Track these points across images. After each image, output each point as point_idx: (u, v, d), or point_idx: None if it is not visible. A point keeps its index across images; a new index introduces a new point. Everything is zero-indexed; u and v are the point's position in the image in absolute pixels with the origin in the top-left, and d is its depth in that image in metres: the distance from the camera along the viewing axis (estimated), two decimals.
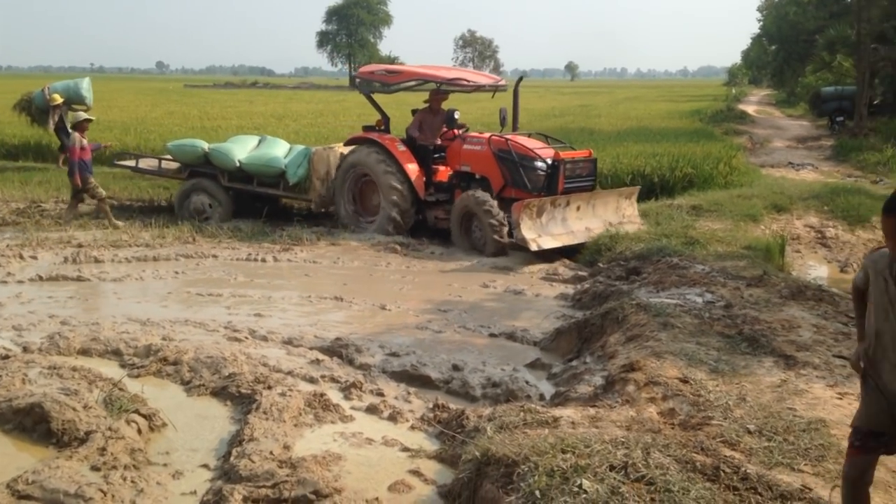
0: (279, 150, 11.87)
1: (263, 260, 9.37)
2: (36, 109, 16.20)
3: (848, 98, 26.09)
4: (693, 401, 4.33)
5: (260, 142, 12.44)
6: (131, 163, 12.95)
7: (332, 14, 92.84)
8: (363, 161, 10.77)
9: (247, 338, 6.41)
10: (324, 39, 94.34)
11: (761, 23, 39.40)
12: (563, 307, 7.61)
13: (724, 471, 3.37)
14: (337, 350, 6.12)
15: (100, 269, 8.79)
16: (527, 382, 5.47)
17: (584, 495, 3.14)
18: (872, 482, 2.93)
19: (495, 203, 9.58)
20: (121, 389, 5.03)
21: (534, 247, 9.08)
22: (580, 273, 8.84)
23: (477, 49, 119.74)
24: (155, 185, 14.00)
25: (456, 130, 11.01)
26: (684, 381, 4.61)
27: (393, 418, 4.90)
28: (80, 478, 3.90)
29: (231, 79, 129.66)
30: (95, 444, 4.20)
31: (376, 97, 11.57)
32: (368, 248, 10.03)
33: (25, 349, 5.95)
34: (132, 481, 3.93)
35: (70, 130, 15.78)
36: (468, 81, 10.88)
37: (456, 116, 10.81)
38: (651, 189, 12.99)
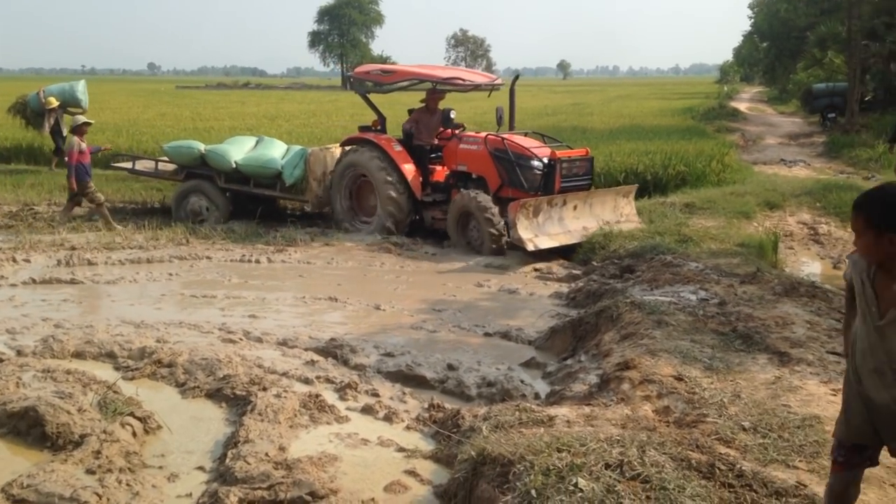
0: (276, 152, 11.84)
1: (257, 261, 9.35)
2: (31, 113, 16.18)
3: (839, 94, 26.18)
4: (688, 398, 4.34)
5: (257, 143, 12.40)
6: (128, 164, 12.91)
7: (324, 14, 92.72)
8: (360, 162, 10.75)
9: (241, 339, 6.40)
10: (315, 39, 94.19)
11: (752, 20, 39.48)
12: (558, 306, 7.62)
13: (719, 468, 3.39)
14: (332, 351, 6.12)
15: (93, 271, 8.76)
16: (522, 381, 5.47)
17: (580, 494, 3.14)
18: (859, 495, 2.87)
19: (493, 205, 9.52)
20: (115, 392, 5.02)
21: (530, 247, 9.06)
22: (574, 272, 8.84)
23: (469, 48, 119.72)
24: (148, 187, 13.96)
25: (453, 130, 10.99)
26: (679, 378, 4.62)
27: (388, 418, 4.90)
28: (75, 481, 3.89)
29: (223, 79, 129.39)
30: (90, 447, 4.19)
31: (372, 97, 11.56)
32: (362, 249, 10.02)
33: (19, 353, 5.92)
34: (127, 484, 3.92)
35: (66, 134, 15.81)
36: (464, 81, 10.84)
37: (452, 116, 10.81)
38: (644, 187, 13.00)
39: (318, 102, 42.51)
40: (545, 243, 9.22)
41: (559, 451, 3.50)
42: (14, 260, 9.01)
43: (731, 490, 3.24)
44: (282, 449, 4.28)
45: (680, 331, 5.55)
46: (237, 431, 4.48)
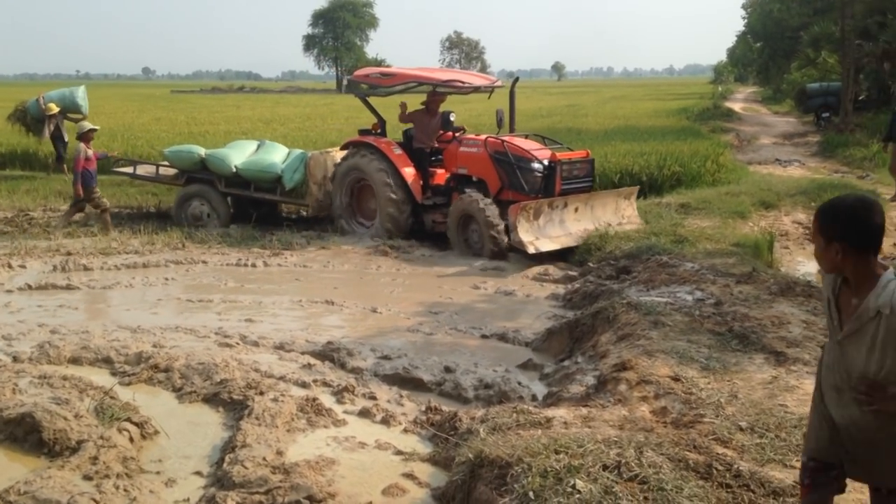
0: (277, 156, 11.83)
1: (254, 265, 9.34)
2: (31, 119, 16.19)
3: (833, 94, 26.22)
4: (685, 399, 4.34)
5: (259, 147, 12.40)
6: (129, 169, 12.91)
7: (318, 17, 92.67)
8: (360, 165, 10.74)
9: (238, 343, 6.40)
10: (310, 43, 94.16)
11: (746, 20, 39.64)
12: (554, 307, 7.62)
13: (716, 468, 3.39)
14: (329, 354, 6.11)
15: (89, 276, 8.74)
16: (519, 383, 5.47)
17: (578, 495, 3.14)
18: None
19: (494, 208, 9.49)
20: (112, 398, 5.02)
21: (531, 250, 9.03)
22: (570, 273, 8.84)
23: (463, 50, 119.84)
24: (143, 192, 13.95)
25: (453, 133, 10.96)
26: (676, 379, 4.63)
27: (386, 421, 4.90)
28: (73, 487, 3.89)
29: (218, 84, 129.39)
30: (87, 453, 4.18)
31: (371, 100, 11.54)
32: (359, 252, 10.02)
33: (15, 359, 5.91)
34: (125, 490, 3.92)
35: (67, 140, 15.82)
36: (464, 83, 10.81)
37: (452, 119, 10.79)
38: (639, 188, 13.01)
39: (313, 106, 42.49)
40: (546, 246, 9.19)
41: (557, 452, 3.51)
42: (10, 266, 9.00)
43: (729, 490, 3.25)
44: (279, 453, 4.28)
45: (676, 331, 5.56)
46: (234, 436, 4.47)
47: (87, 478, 4.01)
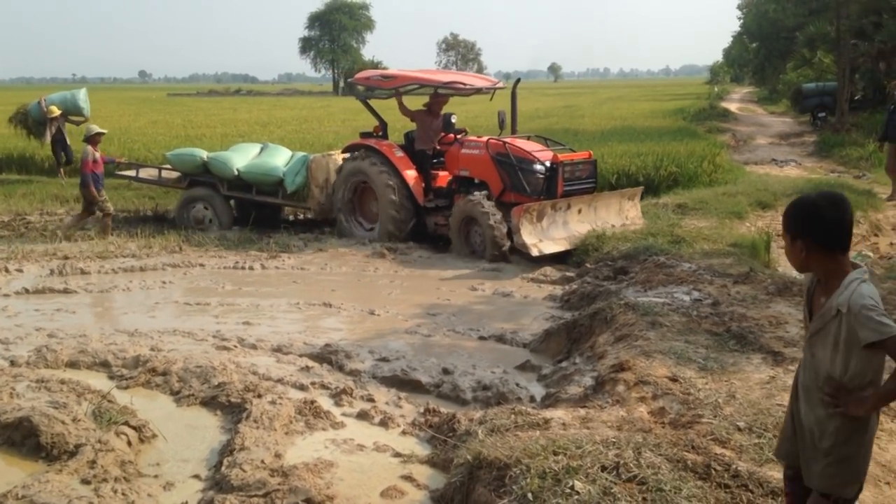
0: (279, 159, 11.83)
1: (251, 268, 9.34)
2: (33, 122, 16.20)
3: (829, 94, 26.25)
4: (683, 399, 4.34)
5: (262, 150, 12.40)
6: (132, 172, 12.92)
7: (315, 20, 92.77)
8: (361, 168, 10.73)
9: (236, 346, 6.39)
10: (306, 45, 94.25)
11: (742, 21, 39.63)
12: (552, 308, 7.63)
13: (714, 468, 3.39)
14: (326, 356, 6.11)
15: (86, 280, 8.74)
16: (517, 385, 5.47)
17: (577, 497, 3.14)
18: None
19: (496, 210, 9.44)
20: (110, 401, 5.01)
21: (535, 252, 9.00)
22: (568, 274, 8.84)
23: (460, 52, 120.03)
24: (140, 195, 13.94)
25: (455, 135, 10.94)
26: (674, 379, 4.63)
27: (384, 424, 4.90)
28: (71, 491, 3.88)
29: (214, 86, 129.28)
30: (85, 457, 4.17)
31: (372, 103, 11.53)
32: (356, 254, 10.02)
33: (13, 363, 5.90)
34: (123, 494, 3.91)
35: (69, 143, 15.81)
36: (466, 85, 10.79)
37: (453, 121, 10.78)
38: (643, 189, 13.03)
39: (310, 108, 42.48)
40: (549, 248, 9.16)
41: (555, 453, 3.50)
42: (7, 270, 8.99)
43: (727, 490, 3.25)
44: (277, 456, 4.28)
45: (674, 332, 5.57)
46: (233, 439, 4.47)
47: (86, 482, 4.00)
